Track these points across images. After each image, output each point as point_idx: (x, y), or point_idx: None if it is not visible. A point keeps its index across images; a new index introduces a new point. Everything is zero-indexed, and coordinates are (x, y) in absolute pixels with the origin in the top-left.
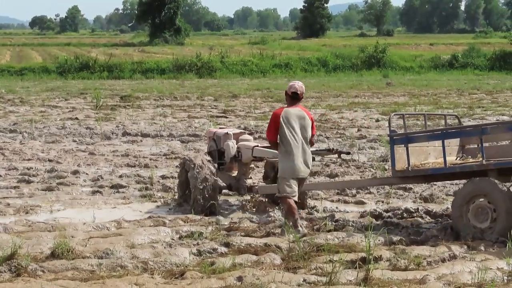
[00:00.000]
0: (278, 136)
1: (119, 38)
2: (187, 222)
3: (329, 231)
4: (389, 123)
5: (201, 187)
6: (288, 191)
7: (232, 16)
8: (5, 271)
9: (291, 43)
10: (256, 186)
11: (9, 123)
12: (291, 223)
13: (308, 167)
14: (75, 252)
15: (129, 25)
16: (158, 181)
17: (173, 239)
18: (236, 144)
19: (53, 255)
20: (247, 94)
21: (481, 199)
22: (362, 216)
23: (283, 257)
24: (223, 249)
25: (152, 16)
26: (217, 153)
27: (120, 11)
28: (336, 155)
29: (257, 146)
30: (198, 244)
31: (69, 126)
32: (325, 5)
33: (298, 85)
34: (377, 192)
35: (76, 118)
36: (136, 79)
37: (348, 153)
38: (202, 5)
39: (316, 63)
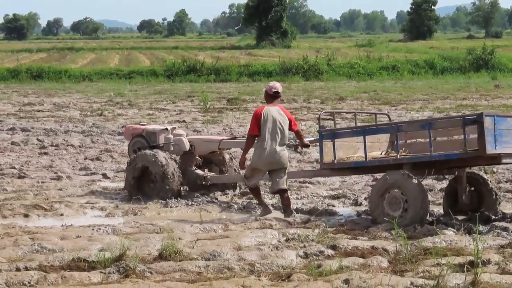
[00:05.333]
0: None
1: (226, 41)
2: (294, 225)
3: (436, 234)
4: (319, 120)
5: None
6: (249, 180)
7: (339, 19)
8: (113, 272)
9: (398, 46)
10: (208, 176)
11: (117, 126)
12: (257, 202)
13: (280, 160)
14: (182, 253)
15: (236, 28)
16: (265, 183)
17: (279, 242)
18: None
19: (161, 257)
20: (353, 96)
21: (395, 190)
22: (470, 219)
23: (390, 260)
24: (330, 252)
25: (259, 19)
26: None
27: (227, 15)
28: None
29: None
30: (304, 246)
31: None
32: (433, 7)
33: (278, 85)
34: None
35: (184, 121)
36: (243, 82)
37: (307, 146)
38: (309, 8)
39: (423, 66)
